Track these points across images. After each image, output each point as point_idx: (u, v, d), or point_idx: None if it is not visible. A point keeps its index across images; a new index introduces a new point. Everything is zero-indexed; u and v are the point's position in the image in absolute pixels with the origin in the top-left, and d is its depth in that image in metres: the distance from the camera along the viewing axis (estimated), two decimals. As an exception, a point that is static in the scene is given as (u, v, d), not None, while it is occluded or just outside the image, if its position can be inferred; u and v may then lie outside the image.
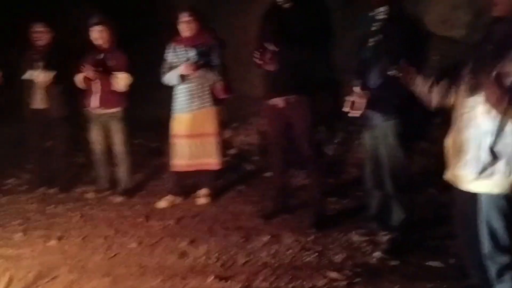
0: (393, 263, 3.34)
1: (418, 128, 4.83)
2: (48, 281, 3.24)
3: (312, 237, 3.81)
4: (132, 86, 4.66)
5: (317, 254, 3.54)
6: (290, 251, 3.62)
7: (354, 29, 3.76)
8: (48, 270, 3.37)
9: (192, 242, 3.81)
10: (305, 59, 3.75)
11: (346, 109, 3.33)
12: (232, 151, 6.47)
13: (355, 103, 3.30)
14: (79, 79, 4.56)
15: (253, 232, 3.96)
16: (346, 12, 5.16)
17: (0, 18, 5.66)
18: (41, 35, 4.70)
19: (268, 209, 4.31)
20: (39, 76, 4.68)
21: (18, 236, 3.99)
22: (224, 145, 6.65)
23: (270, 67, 3.72)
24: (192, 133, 4.48)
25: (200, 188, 4.71)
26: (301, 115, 3.90)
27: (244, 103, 6.97)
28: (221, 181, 5.04)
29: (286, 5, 3.84)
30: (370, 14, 3.47)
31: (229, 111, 6.77)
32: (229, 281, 3.18)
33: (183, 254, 3.62)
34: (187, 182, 4.81)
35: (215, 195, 4.72)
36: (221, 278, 3.22)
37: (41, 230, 4.12)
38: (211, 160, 4.55)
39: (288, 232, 3.91)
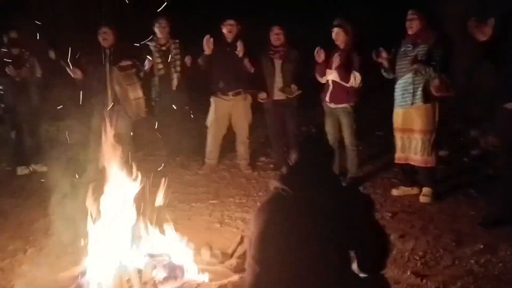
0: None
1: None
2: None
3: (534, 255, 3.50)
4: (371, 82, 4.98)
5: (534, 273, 3.27)
6: (502, 264, 3.43)
7: None
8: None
9: (401, 236, 3.93)
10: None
11: None
12: (474, 152, 6.15)
13: None
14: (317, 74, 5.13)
15: (467, 238, 3.86)
16: None
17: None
18: (278, 36, 5.43)
19: (492, 217, 4.08)
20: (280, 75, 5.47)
21: (258, 205, 4.79)
22: (467, 145, 6.42)
23: None
24: (404, 128, 4.60)
25: (423, 185, 4.73)
26: None
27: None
28: (452, 182, 4.96)
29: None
30: None
31: (480, 108, 6.43)
32: (425, 280, 3.26)
33: (389, 246, 3.79)
34: (416, 176, 4.85)
35: (440, 195, 4.68)
36: (418, 275, 3.32)
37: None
38: (418, 157, 4.57)
39: (506, 244, 3.67)
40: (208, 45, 5.37)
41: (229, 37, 5.51)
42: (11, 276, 3.44)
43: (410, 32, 4.49)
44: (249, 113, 5.73)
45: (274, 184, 2.22)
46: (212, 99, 5.71)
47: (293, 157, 2.29)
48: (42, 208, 4.49)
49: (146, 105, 5.49)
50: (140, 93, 5.27)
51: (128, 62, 5.38)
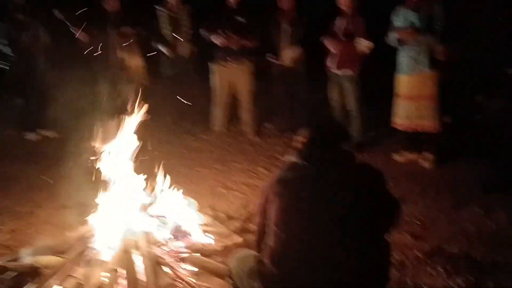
0: None
1: None
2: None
3: (531, 219, 3.58)
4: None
5: (527, 235, 3.36)
6: (498, 226, 3.52)
7: None
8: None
9: (401, 199, 3.98)
10: None
11: None
12: (477, 117, 6.14)
13: None
14: (325, 42, 5.11)
15: (466, 200, 3.95)
16: None
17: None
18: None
19: (493, 180, 4.14)
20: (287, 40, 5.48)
21: (262, 170, 4.88)
22: (471, 110, 6.40)
23: None
24: (410, 95, 4.61)
25: (425, 150, 4.78)
26: None
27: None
28: (454, 147, 4.99)
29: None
30: None
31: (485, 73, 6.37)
32: (420, 240, 3.36)
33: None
34: (419, 142, 4.90)
35: (441, 160, 4.73)
36: (414, 236, 3.42)
37: (279, 168, 4.91)
38: (427, 123, 4.60)
39: (502, 207, 3.75)
40: (221, 41, 5.39)
41: (233, 2, 5.47)
42: (22, 237, 3.57)
43: None
44: (251, 80, 5.74)
45: (290, 158, 2.27)
46: (213, 66, 5.72)
47: None
48: (50, 172, 4.61)
49: (147, 73, 5.52)
50: (139, 61, 5.27)
51: (130, 30, 5.40)
